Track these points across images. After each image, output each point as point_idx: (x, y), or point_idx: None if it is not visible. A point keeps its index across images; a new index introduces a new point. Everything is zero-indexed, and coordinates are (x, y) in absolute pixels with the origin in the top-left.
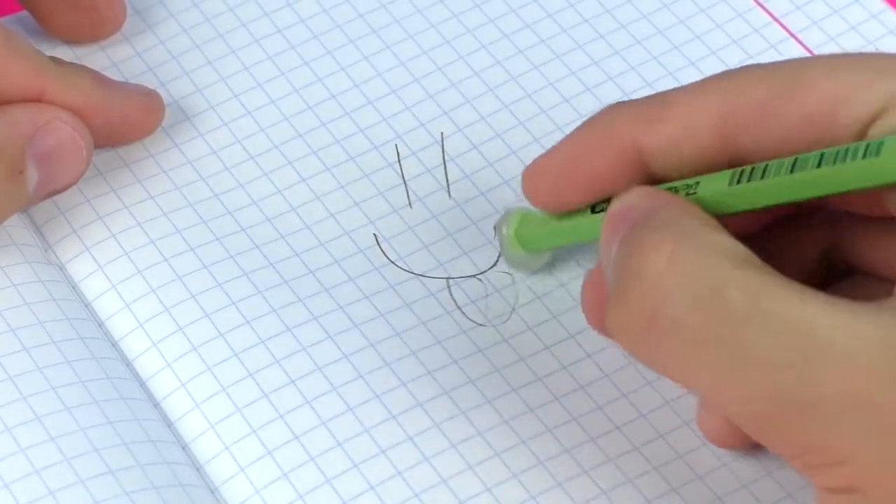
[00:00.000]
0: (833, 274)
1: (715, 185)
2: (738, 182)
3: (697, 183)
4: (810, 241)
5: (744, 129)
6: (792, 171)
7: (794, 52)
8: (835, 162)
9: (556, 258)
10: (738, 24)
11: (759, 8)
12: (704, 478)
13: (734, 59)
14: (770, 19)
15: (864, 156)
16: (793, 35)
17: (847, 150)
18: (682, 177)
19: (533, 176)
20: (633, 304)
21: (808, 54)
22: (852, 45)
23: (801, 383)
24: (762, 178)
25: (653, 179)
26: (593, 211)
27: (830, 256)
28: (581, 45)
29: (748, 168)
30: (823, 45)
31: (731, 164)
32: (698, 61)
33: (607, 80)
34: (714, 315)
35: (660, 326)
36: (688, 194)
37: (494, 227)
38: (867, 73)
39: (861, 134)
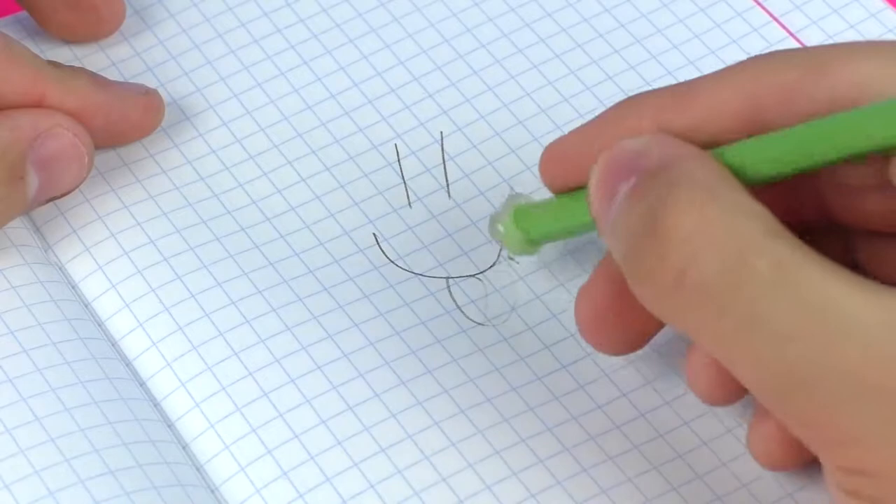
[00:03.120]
0: None
1: (736, 147)
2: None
3: (721, 154)
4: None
5: (771, 110)
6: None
7: None
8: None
9: (557, 254)
10: (737, 24)
11: (758, 7)
12: (704, 477)
13: (733, 59)
14: (769, 18)
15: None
16: (792, 34)
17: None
18: None
19: (552, 155)
20: (659, 262)
21: None
22: None
23: (816, 358)
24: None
25: None
26: None
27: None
28: (580, 45)
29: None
30: (822, 44)
31: None
32: (697, 60)
33: (606, 79)
34: (738, 281)
35: (685, 286)
36: None
37: (491, 217)
38: (893, 59)
39: None
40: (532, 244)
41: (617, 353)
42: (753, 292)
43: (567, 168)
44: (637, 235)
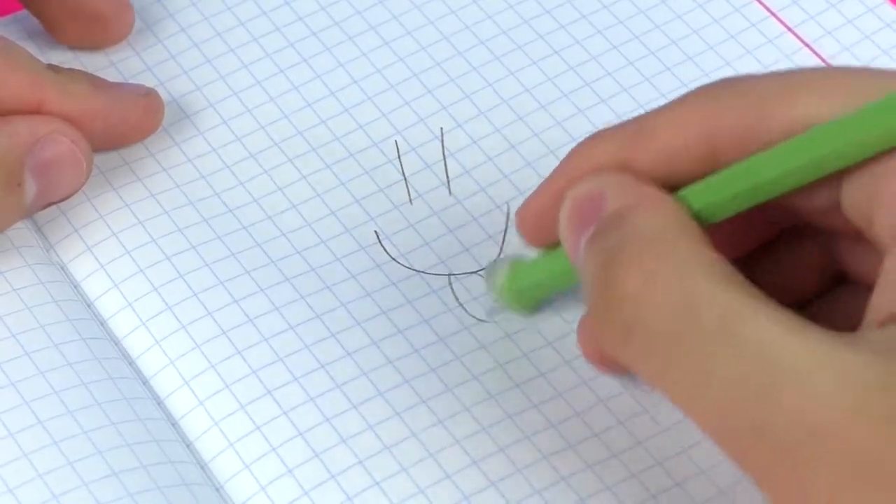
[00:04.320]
0: (837, 281)
1: (696, 186)
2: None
3: (682, 195)
4: (807, 257)
5: (728, 153)
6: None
7: (792, 46)
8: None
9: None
10: (736, 19)
11: (756, 2)
12: (708, 472)
13: (732, 55)
14: (767, 14)
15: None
16: (790, 29)
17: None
18: None
19: (525, 216)
20: (610, 317)
21: (806, 49)
22: (850, 39)
23: (760, 406)
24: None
25: None
26: None
27: (830, 267)
28: (579, 41)
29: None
30: (821, 39)
31: None
32: (696, 56)
33: (605, 75)
34: (685, 333)
35: (635, 340)
36: None
37: (487, 270)
38: (844, 91)
39: None
40: (529, 298)
41: (622, 375)
42: (699, 343)
43: (544, 226)
44: (593, 288)
